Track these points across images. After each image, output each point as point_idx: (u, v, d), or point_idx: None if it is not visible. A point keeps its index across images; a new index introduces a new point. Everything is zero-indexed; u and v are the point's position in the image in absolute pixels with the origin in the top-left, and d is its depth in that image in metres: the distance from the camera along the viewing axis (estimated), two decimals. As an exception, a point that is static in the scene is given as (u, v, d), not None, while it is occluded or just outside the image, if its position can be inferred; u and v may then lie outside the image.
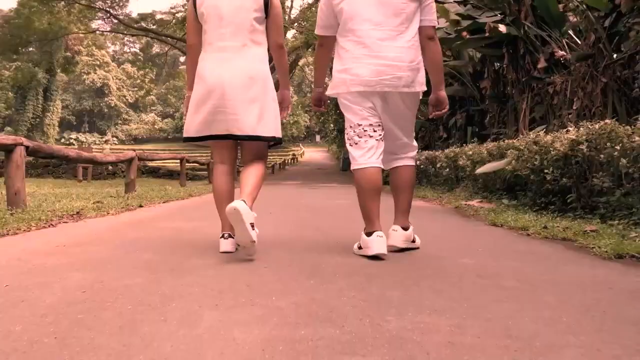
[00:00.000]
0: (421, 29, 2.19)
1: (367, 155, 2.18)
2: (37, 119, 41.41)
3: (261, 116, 2.15)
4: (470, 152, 5.97)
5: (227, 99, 2.10)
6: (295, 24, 18.17)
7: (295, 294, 1.50)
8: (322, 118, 33.06)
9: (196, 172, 17.10)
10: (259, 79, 2.16)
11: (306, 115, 50.72)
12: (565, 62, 6.08)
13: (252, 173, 2.16)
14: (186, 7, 20.50)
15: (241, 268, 1.91)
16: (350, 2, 2.14)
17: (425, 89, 2.23)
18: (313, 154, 45.81)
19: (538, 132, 4.53)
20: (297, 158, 41.14)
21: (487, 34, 6.90)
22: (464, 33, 7.63)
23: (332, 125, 31.74)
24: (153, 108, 63.54)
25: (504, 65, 7.50)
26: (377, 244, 2.07)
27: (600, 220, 3.27)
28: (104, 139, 49.54)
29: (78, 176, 13.22)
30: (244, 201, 1.93)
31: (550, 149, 3.99)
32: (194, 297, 1.44)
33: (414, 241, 2.39)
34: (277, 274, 1.79)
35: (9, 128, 41.25)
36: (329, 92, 2.32)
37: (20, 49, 27.15)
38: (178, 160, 10.16)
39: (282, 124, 2.41)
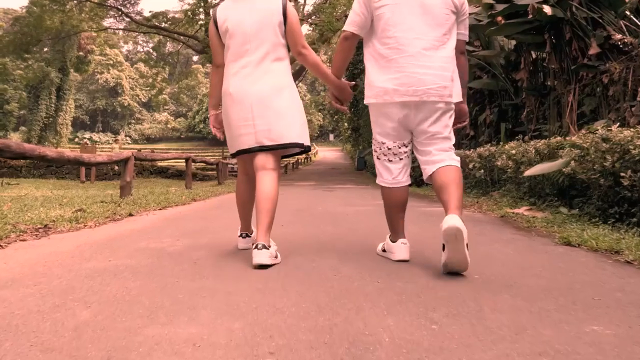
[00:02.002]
0: (456, 43, 2.19)
1: (395, 175, 2.25)
2: (50, 119, 41.24)
3: (290, 125, 2.19)
4: (514, 152, 5.16)
5: (255, 112, 2.14)
6: (310, 18, 17.44)
7: None
8: (336, 117, 32.40)
9: (206, 172, 16.45)
10: (284, 90, 2.20)
11: (320, 114, 49.89)
12: (624, 47, 5.23)
13: (269, 196, 2.14)
14: (198, 4, 20.48)
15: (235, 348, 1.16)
16: (394, 8, 2.10)
17: (460, 99, 2.26)
18: (327, 153, 45.04)
19: (596, 127, 3.73)
20: (310, 158, 40.42)
21: (528, 18, 6.07)
22: (499, 18, 6.80)
23: (346, 124, 30.96)
24: (166, 107, 63.39)
25: (545, 54, 6.66)
26: (401, 250, 2.23)
27: None
28: (114, 139, 49.22)
29: (81, 177, 12.64)
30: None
31: (630, 147, 3.19)
32: None
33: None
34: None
35: (23, 128, 41.19)
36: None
37: (31, 47, 26.88)
38: (184, 160, 9.51)
39: None
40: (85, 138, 56.31)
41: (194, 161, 9.02)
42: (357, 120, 23.80)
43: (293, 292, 1.63)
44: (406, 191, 2.28)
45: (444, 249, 1.91)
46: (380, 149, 2.27)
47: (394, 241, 2.27)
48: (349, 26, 2.21)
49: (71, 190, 9.11)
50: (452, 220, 1.86)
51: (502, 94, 8.42)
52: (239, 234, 2.49)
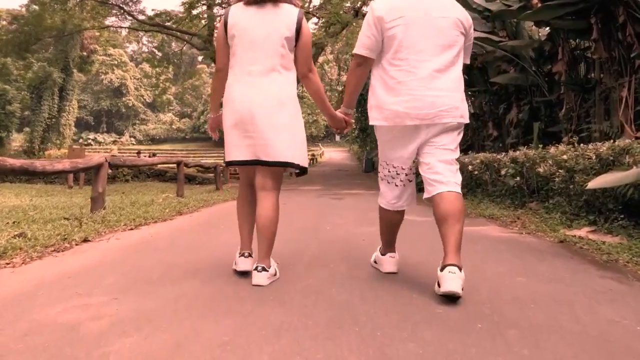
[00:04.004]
0: None
1: (397, 200, 2.26)
2: (53, 120, 40.62)
3: (290, 143, 2.12)
4: (565, 157, 4.21)
5: (256, 124, 2.08)
6: (317, 12, 16.53)
7: None
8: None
9: (206, 175, 15.58)
10: (288, 105, 2.13)
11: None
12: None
13: (269, 220, 2.13)
14: (202, 2, 19.71)
15: None
16: (406, 29, 2.04)
17: (467, 121, 2.15)
18: (333, 154, 44.07)
19: None
20: (316, 158, 39.51)
21: (573, -2, 5.13)
22: (535, 1, 5.87)
23: (353, 124, 29.90)
24: (171, 108, 62.75)
25: (591, 42, 5.71)
26: (389, 264, 2.35)
27: None
28: (113, 140, 48.30)
29: (68, 182, 11.80)
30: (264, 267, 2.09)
31: None
32: None
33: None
34: None
35: (27, 129, 40.58)
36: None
37: (30, 46, 26.24)
38: (183, 163, 8.60)
39: None
40: (89, 139, 55.80)
41: (186, 165, 8.13)
42: (364, 120, 22.84)
43: None
44: (403, 214, 2.33)
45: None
46: (388, 172, 2.26)
47: (383, 254, 2.39)
48: (361, 49, 2.13)
49: (52, 198, 8.28)
50: (451, 284, 1.82)
51: (533, 89, 7.47)
52: (238, 253, 2.27)
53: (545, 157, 4.92)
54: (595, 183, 3.38)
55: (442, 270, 1.88)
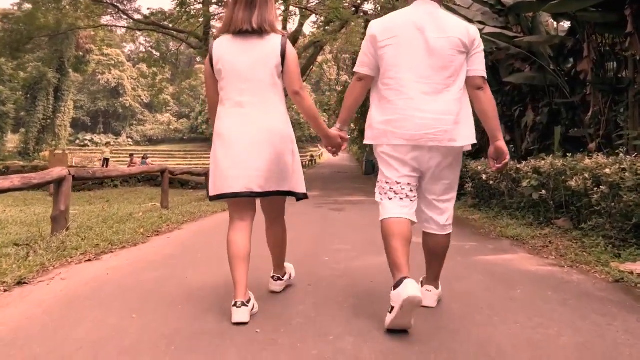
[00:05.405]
0: (469, 80, 2.08)
1: (401, 208, 2.07)
2: (48, 120, 39.94)
3: (284, 171, 2.12)
4: (608, 170, 3.54)
5: (248, 156, 2.06)
6: (316, 11, 15.87)
7: None
8: (342, 117, 30.94)
9: (201, 179, 14.90)
10: (280, 134, 2.12)
11: (325, 114, 48.31)
12: None
13: (279, 243, 2.35)
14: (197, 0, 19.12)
15: None
16: (396, 48, 2.04)
17: (474, 141, 2.09)
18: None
19: None
20: (315, 160, 38.87)
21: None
22: (559, -10, 5.21)
23: (352, 125, 29.34)
24: (168, 108, 62.09)
25: (624, 37, 5.05)
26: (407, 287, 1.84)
27: None
28: (107, 141, 47.53)
29: (50, 189, 11.10)
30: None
31: None
32: None
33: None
34: None
35: (23, 130, 39.88)
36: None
37: (22, 46, 25.59)
38: (178, 169, 7.93)
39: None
40: (86, 139, 55.08)
41: (171, 174, 7.43)
42: (363, 122, 22.17)
43: None
44: (411, 227, 2.08)
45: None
46: (390, 188, 2.12)
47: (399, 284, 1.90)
48: (359, 67, 2.16)
49: (27, 209, 7.64)
50: (427, 301, 2.10)
51: (552, 90, 6.81)
52: (233, 303, 2.00)
53: (576, 168, 4.26)
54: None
55: (422, 286, 2.19)
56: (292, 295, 2.40)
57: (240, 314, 1.95)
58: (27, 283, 2.58)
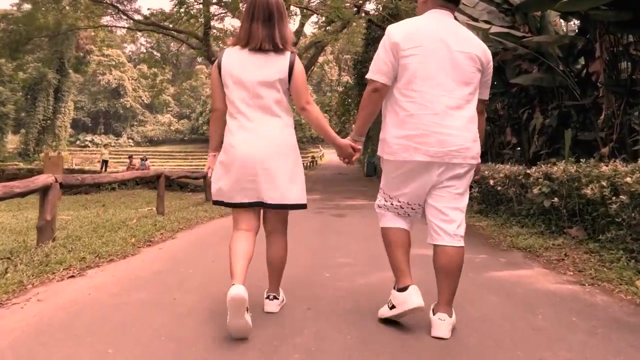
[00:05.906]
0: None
1: (400, 220, 2.17)
2: (48, 121, 39.75)
3: (290, 184, 2.14)
4: (630, 179, 3.30)
5: (258, 168, 2.07)
6: (318, 12, 15.62)
7: None
8: (343, 118, 30.69)
9: (199, 182, 14.66)
10: (287, 147, 2.15)
11: (326, 115, 48.04)
12: None
13: (278, 257, 2.28)
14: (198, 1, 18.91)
15: None
16: (423, 59, 1.94)
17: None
18: (333, 156, 43.00)
19: None
20: (316, 161, 38.62)
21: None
22: (571, -12, 4.97)
23: (353, 125, 28.95)
24: (169, 109, 61.91)
25: (639, 36, 4.82)
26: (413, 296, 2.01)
27: None
28: (107, 142, 47.33)
29: (45, 192, 10.86)
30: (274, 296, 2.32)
31: None
32: None
33: None
34: None
35: (23, 131, 39.70)
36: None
37: (21, 46, 25.42)
38: (171, 174, 7.67)
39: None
40: (87, 140, 54.87)
41: (168, 178, 7.19)
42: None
43: None
44: (410, 237, 2.19)
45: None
46: (391, 204, 2.16)
47: (404, 289, 2.06)
48: (377, 75, 2.02)
49: (20, 214, 7.41)
50: (439, 331, 1.95)
51: (561, 92, 6.57)
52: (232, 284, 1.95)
53: (590, 174, 4.02)
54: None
55: (434, 314, 2.02)
56: (289, 322, 2.16)
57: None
58: (0, 304, 2.36)
